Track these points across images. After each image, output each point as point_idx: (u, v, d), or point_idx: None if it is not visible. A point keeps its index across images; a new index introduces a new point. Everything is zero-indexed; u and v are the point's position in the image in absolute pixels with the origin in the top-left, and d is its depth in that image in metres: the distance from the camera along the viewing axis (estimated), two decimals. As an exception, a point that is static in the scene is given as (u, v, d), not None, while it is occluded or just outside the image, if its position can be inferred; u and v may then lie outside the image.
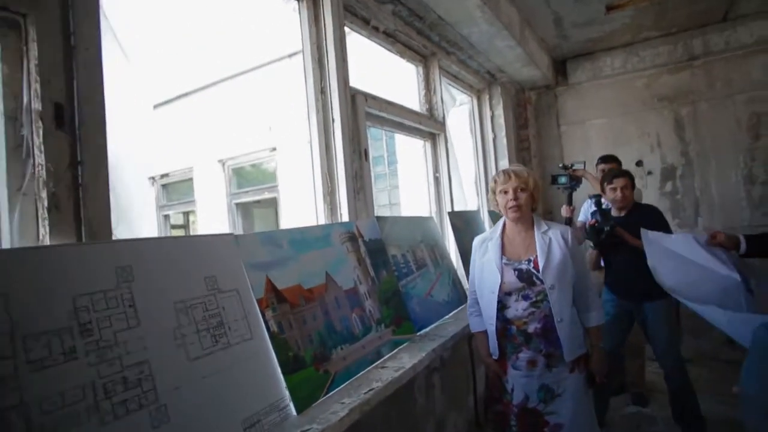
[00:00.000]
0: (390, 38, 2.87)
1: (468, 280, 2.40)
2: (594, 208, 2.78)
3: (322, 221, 2.11)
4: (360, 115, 2.34)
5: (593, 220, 2.73)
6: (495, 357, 1.94)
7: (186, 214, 7.50)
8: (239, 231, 5.85)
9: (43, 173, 0.99)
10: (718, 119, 4.38)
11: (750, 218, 4.33)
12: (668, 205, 4.61)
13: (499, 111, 4.38)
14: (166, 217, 6.98)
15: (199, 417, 1.07)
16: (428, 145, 3.34)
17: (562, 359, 1.84)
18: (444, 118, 3.40)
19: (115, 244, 1.10)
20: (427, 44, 3.20)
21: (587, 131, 4.90)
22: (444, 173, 3.29)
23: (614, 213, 2.85)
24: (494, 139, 4.38)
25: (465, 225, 3.11)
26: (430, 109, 3.33)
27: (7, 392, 0.79)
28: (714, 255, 1.77)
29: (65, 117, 0.98)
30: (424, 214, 3.27)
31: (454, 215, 3.06)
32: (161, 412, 1.00)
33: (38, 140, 0.97)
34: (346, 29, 2.40)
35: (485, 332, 2.00)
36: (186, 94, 6.75)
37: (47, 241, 1.04)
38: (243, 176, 6.37)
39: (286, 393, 1.34)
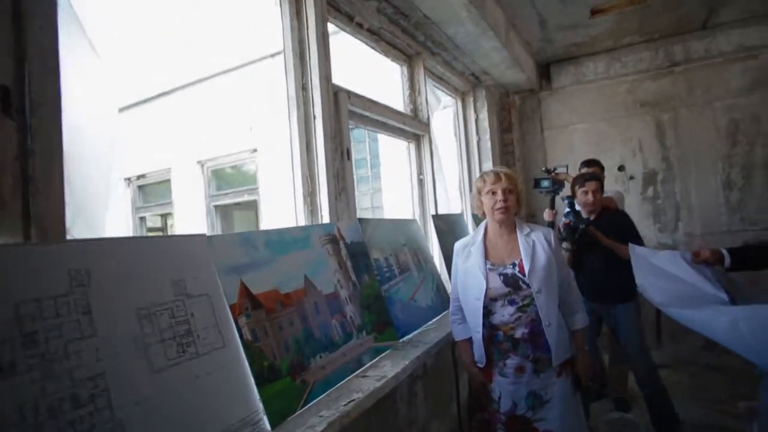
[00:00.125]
0: (374, 36, 2.80)
1: (450, 284, 2.34)
2: (568, 209, 2.79)
3: (302, 223, 2.03)
4: (342, 113, 2.26)
5: (567, 220, 2.73)
6: (481, 365, 1.87)
7: (164, 216, 7.31)
8: (218, 233, 5.70)
9: (-15, 164, 0.88)
10: (698, 125, 4.43)
11: (728, 223, 4.38)
12: (650, 209, 4.64)
13: (484, 114, 4.35)
14: (142, 219, 6.77)
15: (161, 435, 0.97)
16: (412, 146, 3.27)
17: (550, 364, 1.79)
18: (428, 119, 3.34)
19: (70, 245, 1.00)
20: (412, 44, 3.14)
21: (571, 136, 4.91)
22: (428, 175, 3.23)
23: (584, 216, 2.88)
24: (478, 142, 4.35)
25: (449, 228, 3.05)
26: (415, 110, 3.27)
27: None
28: (701, 273, 1.74)
29: (12, 101, 0.88)
30: (408, 216, 3.20)
31: (438, 218, 3.00)
32: None
33: (-21, 126, 0.87)
34: (330, 26, 2.33)
35: (469, 340, 1.93)
36: (164, 93, 6.58)
37: (-10, 241, 0.94)
38: (223, 178, 6.22)
39: (260, 406, 1.25)
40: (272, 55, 5.25)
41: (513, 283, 1.81)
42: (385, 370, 1.71)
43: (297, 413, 1.34)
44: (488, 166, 4.28)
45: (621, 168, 4.72)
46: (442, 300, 2.64)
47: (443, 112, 4.31)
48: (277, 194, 4.90)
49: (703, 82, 4.40)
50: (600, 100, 4.76)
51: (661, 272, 1.82)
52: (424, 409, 2.24)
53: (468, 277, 1.89)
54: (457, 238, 2.96)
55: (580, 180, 2.85)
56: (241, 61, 5.99)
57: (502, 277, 1.82)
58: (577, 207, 2.90)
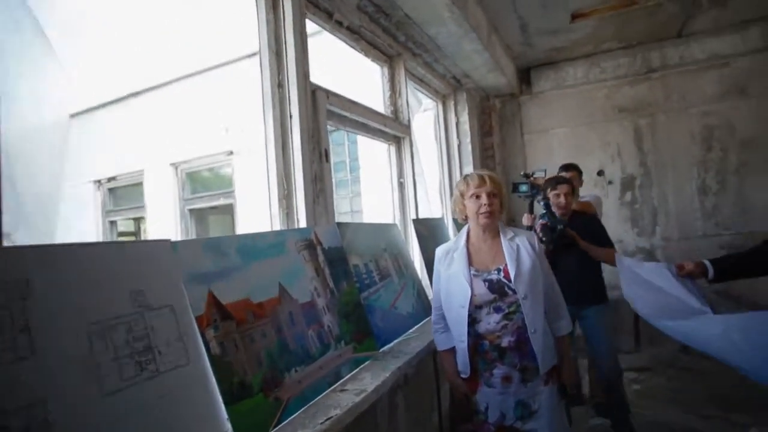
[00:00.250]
0: (354, 35, 2.72)
1: (432, 291, 2.26)
2: (543, 210, 2.76)
3: (277, 227, 1.92)
4: (321, 112, 2.17)
5: (544, 221, 2.70)
6: (465, 376, 1.80)
7: (137, 220, 7.06)
8: (192, 237, 5.52)
9: None
10: (675, 131, 4.49)
11: (704, 228, 4.44)
12: (628, 214, 4.67)
13: (464, 117, 4.32)
14: (113, 223, 6.52)
15: (113, 467, 0.86)
16: (393, 148, 3.20)
17: (537, 372, 1.73)
18: (409, 121, 3.28)
19: (7, 252, 0.88)
20: (392, 44, 3.07)
21: (550, 140, 4.92)
22: (409, 178, 3.16)
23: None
24: (459, 146, 4.31)
25: (430, 233, 2.98)
26: (395, 112, 3.20)
27: None
28: (685, 286, 1.71)
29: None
30: (388, 221, 3.12)
31: (418, 222, 2.93)
32: (60, 466, 0.79)
33: None
34: (312, 26, 2.25)
35: (452, 350, 1.86)
36: (136, 94, 6.36)
37: None
38: (198, 181, 6.04)
39: (229, 426, 1.15)
40: (250, 55, 5.12)
41: (498, 289, 1.74)
42: (365, 383, 1.62)
43: (270, 433, 1.24)
44: (469, 170, 4.24)
45: (600, 172, 4.75)
46: (423, 306, 2.57)
47: (424, 114, 4.27)
48: (254, 198, 4.77)
49: (679, 88, 4.47)
50: (579, 105, 4.79)
51: (646, 283, 1.78)
52: (405, 420, 2.16)
53: (451, 284, 1.82)
54: (437, 243, 2.90)
55: (552, 183, 2.87)
56: (218, 61, 5.84)
57: (487, 284, 1.76)
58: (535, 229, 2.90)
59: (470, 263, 1.81)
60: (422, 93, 3.99)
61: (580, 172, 3.48)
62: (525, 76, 4.95)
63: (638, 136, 4.61)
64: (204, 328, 1.19)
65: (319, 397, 1.48)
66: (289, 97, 1.99)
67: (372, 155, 4.87)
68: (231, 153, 5.64)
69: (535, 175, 3.32)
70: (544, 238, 2.61)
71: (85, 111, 6.60)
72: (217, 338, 1.22)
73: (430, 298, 2.70)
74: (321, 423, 1.29)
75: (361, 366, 1.78)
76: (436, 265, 1.92)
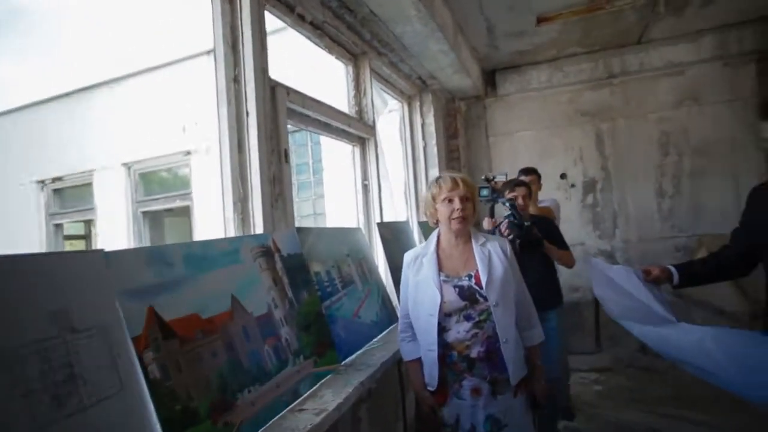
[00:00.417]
0: (318, 31, 2.61)
1: (398, 298, 2.18)
2: (509, 210, 2.74)
3: (231, 233, 1.79)
4: (280, 110, 2.04)
5: (510, 219, 2.67)
6: (432, 388, 1.71)
7: (87, 223, 6.67)
8: (146, 242, 5.24)
9: None
10: (634, 136, 4.60)
11: (661, 230, 4.56)
12: (590, 216, 4.75)
13: (430, 119, 4.27)
14: (58, 226, 6.11)
15: None
16: (357, 150, 3.10)
17: (508, 384, 1.67)
18: (374, 122, 3.19)
19: None
20: (357, 42, 2.97)
21: (515, 143, 4.94)
22: (373, 180, 3.07)
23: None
24: (425, 148, 4.26)
25: (395, 237, 2.90)
26: (360, 112, 3.10)
27: None
28: (651, 293, 1.70)
29: None
30: (351, 224, 3.02)
31: (383, 226, 2.84)
32: None
33: None
34: (276, 23, 2.12)
35: (418, 360, 1.77)
36: (87, 88, 6.00)
37: None
38: (153, 182, 5.75)
39: (170, 461, 1.02)
40: (209, 52, 4.90)
41: (469, 296, 1.67)
42: (325, 400, 1.51)
43: (218, 465, 1.11)
44: (434, 172, 4.19)
45: (563, 176, 4.80)
46: (387, 314, 2.48)
47: (389, 115, 4.18)
48: (212, 200, 4.56)
49: (638, 94, 4.58)
50: (543, 108, 4.83)
51: (616, 286, 1.75)
52: (369, 434, 2.06)
53: (420, 290, 1.74)
54: (403, 247, 2.83)
55: (509, 185, 2.87)
56: (176, 56, 5.59)
57: (457, 290, 1.68)
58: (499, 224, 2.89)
59: (440, 269, 1.73)
60: (387, 93, 3.91)
61: (539, 176, 3.50)
62: (490, 78, 4.95)
63: (599, 140, 4.70)
64: (142, 350, 1.06)
65: (275, 418, 1.36)
66: (245, 93, 1.86)
67: (336, 157, 4.75)
68: (188, 153, 5.40)
69: (496, 179, 3.33)
70: (510, 235, 2.55)
71: (28, 106, 6.18)
72: (157, 360, 1.09)
73: (395, 304, 2.62)
74: (276, 450, 1.18)
75: (322, 381, 1.67)
76: (405, 271, 1.83)
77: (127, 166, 5.50)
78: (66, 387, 0.87)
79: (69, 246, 6.62)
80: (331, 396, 1.55)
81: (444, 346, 1.69)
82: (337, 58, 2.98)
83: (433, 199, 1.74)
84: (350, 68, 3.13)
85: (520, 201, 2.78)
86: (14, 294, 0.86)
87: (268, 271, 1.62)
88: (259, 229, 1.80)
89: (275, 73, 2.10)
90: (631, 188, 4.63)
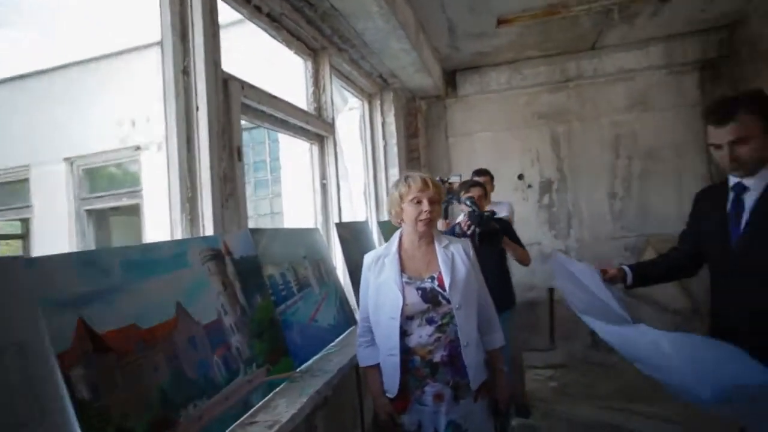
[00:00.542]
0: (275, 23, 2.51)
1: (357, 301, 2.12)
2: (471, 207, 2.75)
3: (179, 235, 1.67)
4: (234, 105, 1.94)
5: (470, 210, 2.66)
6: (392, 394, 1.67)
7: (24, 221, 6.22)
8: (90, 242, 4.94)
9: None
10: (588, 138, 4.74)
11: (612, 230, 4.72)
12: (546, 217, 4.86)
13: (391, 118, 4.23)
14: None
15: None
16: (315, 148, 3.02)
17: (469, 389, 1.64)
18: (333, 120, 3.11)
19: None
20: (317, 37, 2.89)
21: (474, 144, 4.99)
22: (332, 180, 2.99)
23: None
24: (385, 147, 4.22)
25: (354, 237, 2.85)
26: (319, 109, 3.02)
27: None
28: (610, 291, 1.73)
29: None
30: (309, 225, 2.94)
31: (341, 226, 2.77)
32: None
33: None
34: (226, 8, 2.01)
35: (377, 366, 1.73)
36: (22, 77, 5.58)
37: None
38: (99, 178, 5.43)
39: (101, 489, 0.92)
40: (159, 42, 4.67)
41: (432, 298, 1.64)
42: (279, 411, 1.44)
43: (157, 490, 1.02)
44: (394, 172, 4.17)
45: (520, 177, 4.89)
46: (345, 316, 2.42)
47: (349, 113, 4.12)
48: (163, 198, 4.35)
49: (592, 98, 4.72)
50: (502, 110, 4.90)
51: (577, 281, 1.77)
52: (326, 442, 2.00)
53: (381, 292, 1.68)
54: (362, 248, 2.77)
55: (465, 186, 2.91)
56: (125, 46, 5.29)
57: (420, 292, 1.64)
58: (457, 222, 2.91)
59: (402, 270, 1.69)
60: (348, 91, 3.85)
61: (491, 177, 3.55)
62: (451, 79, 4.97)
63: (555, 142, 4.81)
64: (68, 368, 0.95)
65: (223, 433, 1.28)
66: (195, 86, 1.75)
67: (294, 154, 4.64)
68: (138, 148, 5.14)
69: (450, 180, 3.37)
70: (471, 227, 2.53)
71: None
72: (87, 378, 0.98)
73: (353, 306, 2.56)
74: (223, 469, 1.10)
75: (276, 390, 1.60)
76: (365, 273, 1.77)
77: (70, 161, 5.17)
78: (-28, 415, 0.76)
79: (5, 246, 6.18)
80: (284, 406, 1.48)
81: (406, 351, 1.64)
82: (296, 53, 2.89)
83: (401, 198, 1.68)
84: (309, 64, 3.04)
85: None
86: None
87: (218, 276, 1.53)
88: (209, 230, 1.70)
89: (229, 66, 1.99)
90: (585, 189, 4.77)
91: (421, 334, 1.63)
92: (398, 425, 1.66)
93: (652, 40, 4.46)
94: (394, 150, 4.20)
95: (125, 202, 4.96)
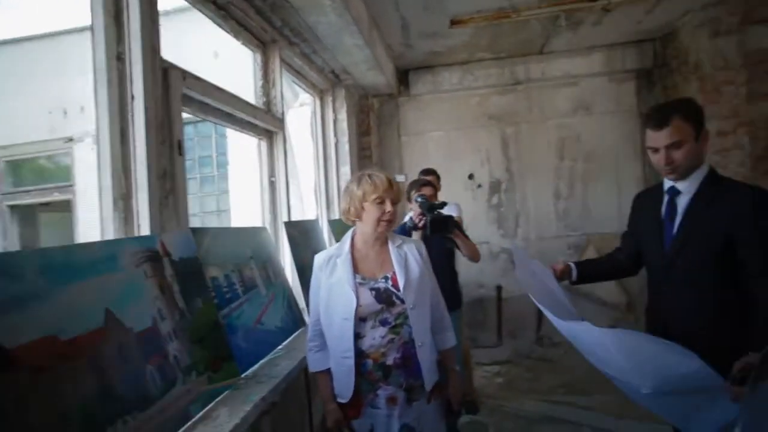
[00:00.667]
0: (222, 12, 2.39)
1: (307, 303, 2.06)
2: (421, 200, 2.74)
3: (110, 235, 1.54)
4: (174, 96, 1.82)
5: (420, 202, 2.64)
6: (345, 400, 1.62)
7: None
8: (14, 240, 4.55)
9: None
10: (535, 140, 4.89)
11: (557, 229, 4.90)
12: (495, 216, 4.97)
13: (343, 115, 4.16)
14: None
15: None
16: (264, 144, 2.91)
17: (422, 390, 1.62)
18: (283, 115, 3.01)
19: None
20: (267, 28, 2.78)
21: (426, 143, 5.02)
22: (281, 177, 2.90)
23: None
24: (336, 144, 4.15)
25: (303, 237, 2.77)
26: (268, 103, 2.91)
27: None
28: (561, 287, 1.77)
29: None
30: (257, 223, 2.83)
31: (290, 225, 2.69)
32: None
33: None
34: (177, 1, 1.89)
35: (327, 371, 1.68)
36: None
37: None
38: (26, 171, 5.01)
39: None
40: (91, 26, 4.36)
41: (386, 298, 1.60)
42: (220, 421, 1.36)
43: None
44: (346, 170, 4.11)
45: (471, 176, 4.97)
46: (294, 318, 2.35)
47: (300, 109, 4.02)
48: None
49: (540, 101, 4.88)
50: (454, 110, 4.96)
51: (534, 275, 1.80)
52: (272, 449, 1.92)
53: (334, 293, 1.63)
54: (312, 247, 2.71)
55: (416, 185, 2.87)
56: (55, 28, 4.90)
57: (373, 293, 1.61)
58: (410, 217, 2.89)
59: (355, 270, 1.65)
60: (299, 86, 3.75)
61: (438, 177, 3.58)
62: (404, 77, 4.97)
63: (505, 143, 4.93)
64: (-31, 388, 0.84)
65: (158, 450, 1.19)
66: (131, 73, 1.62)
67: (242, 150, 4.48)
68: (70, 140, 4.77)
69: (396, 180, 3.35)
70: (423, 219, 2.50)
71: None
72: (-7, 399, 0.87)
73: (302, 307, 2.49)
74: (155, 491, 1.01)
75: (218, 399, 1.51)
76: (316, 273, 1.71)
77: (-9, 151, 4.74)
78: None
79: None
80: (226, 416, 1.40)
81: (358, 355, 1.60)
82: (243, 44, 2.77)
83: (363, 196, 1.62)
84: (258, 56, 2.93)
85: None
86: None
87: (155, 279, 1.42)
88: (145, 230, 1.58)
89: (171, 54, 1.87)
90: (531, 190, 4.92)
91: (374, 336, 1.60)
92: (350, 428, 1.62)
93: (595, 48, 4.66)
94: (345, 148, 4.14)
95: (56, 197, 4.59)
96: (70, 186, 4.62)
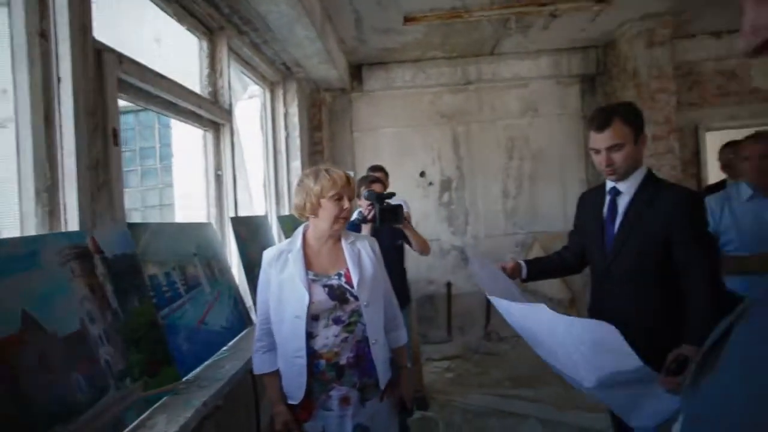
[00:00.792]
0: (163, -6, 2.25)
1: (255, 302, 1.98)
2: (368, 195, 2.72)
3: (32, 231, 1.40)
4: (109, 80, 1.69)
5: (367, 194, 2.62)
6: (296, 401, 1.57)
7: None
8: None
9: None
10: (485, 139, 4.99)
11: (505, 227, 5.03)
12: (445, 214, 5.03)
13: (294, 109, 4.06)
14: None
15: None
16: (210, 136, 2.78)
17: (376, 389, 1.60)
18: (231, 106, 2.89)
19: None
20: (214, 15, 2.65)
21: (379, 139, 5.00)
22: (228, 171, 2.78)
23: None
24: (287, 138, 4.04)
25: (251, 233, 2.67)
26: (215, 94, 2.78)
27: None
28: (514, 286, 1.81)
29: None
30: (202, 219, 2.70)
31: (238, 221, 2.59)
32: None
33: None
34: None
35: (276, 373, 1.62)
36: None
37: None
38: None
39: None
40: None
41: (339, 295, 1.57)
42: (157, 430, 1.27)
43: None
44: (297, 165, 4.01)
45: (422, 174, 5.00)
46: (240, 317, 2.26)
47: (249, 101, 3.88)
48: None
49: (490, 101, 4.98)
50: (406, 107, 4.97)
51: (490, 275, 1.83)
52: (216, 455, 1.84)
53: (285, 290, 1.57)
54: (260, 244, 2.61)
55: (365, 181, 2.87)
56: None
57: (326, 289, 1.56)
58: (359, 212, 2.87)
59: (308, 267, 1.60)
60: (248, 77, 3.61)
61: (386, 174, 3.58)
62: (357, 73, 4.92)
63: (456, 141, 5.00)
64: None
65: (84, 464, 1.09)
66: (57, 53, 1.48)
67: (187, 142, 4.27)
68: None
69: (352, 177, 3.32)
70: (372, 210, 2.46)
71: None
72: None
73: (249, 306, 2.40)
74: None
75: (156, 405, 1.42)
76: (265, 269, 1.64)
77: None
78: None
79: None
80: (164, 424, 1.31)
81: (310, 355, 1.55)
82: (189, 29, 2.63)
83: (321, 191, 1.58)
84: (205, 44, 2.79)
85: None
86: None
87: (83, 278, 1.31)
88: (73, 225, 1.45)
89: (106, 37, 1.73)
90: (481, 188, 5.02)
91: (327, 335, 1.56)
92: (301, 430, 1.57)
93: (543, 52, 4.81)
94: (296, 142, 4.04)
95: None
96: (-8, 176, 4.22)
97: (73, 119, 1.46)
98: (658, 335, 1.51)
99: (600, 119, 1.63)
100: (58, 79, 1.46)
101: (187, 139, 4.33)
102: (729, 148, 3.19)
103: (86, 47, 1.55)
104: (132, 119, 5.35)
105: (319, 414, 1.57)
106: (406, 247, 2.87)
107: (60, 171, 1.44)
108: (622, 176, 1.66)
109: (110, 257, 1.45)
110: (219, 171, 2.76)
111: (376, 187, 2.77)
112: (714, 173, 3.65)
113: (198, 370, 1.74)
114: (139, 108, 3.84)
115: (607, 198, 1.74)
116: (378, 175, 3.30)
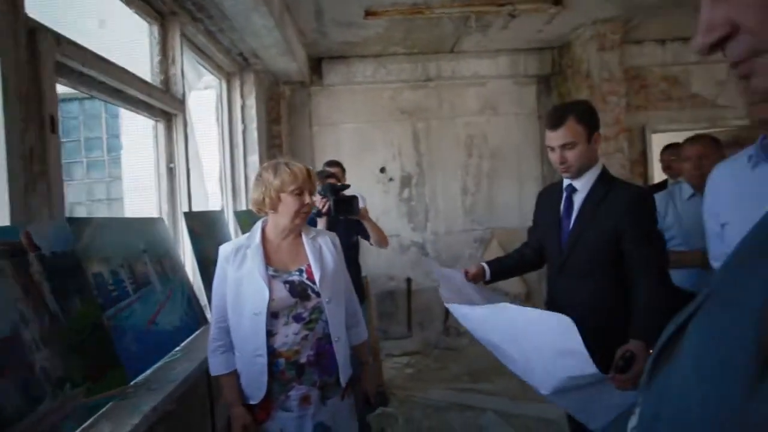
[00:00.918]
0: (107, -26, 2.10)
1: (210, 300, 1.90)
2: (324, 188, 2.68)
3: (-44, 224, 1.28)
4: (45, 63, 1.56)
5: (321, 188, 2.57)
6: (256, 401, 1.51)
7: None
8: None
9: None
10: (445, 136, 5.03)
11: (463, 224, 5.10)
12: (405, 210, 5.04)
13: (251, 101, 3.94)
14: None
15: None
16: (162, 126, 2.64)
17: (337, 387, 1.58)
18: (184, 96, 2.76)
19: None
20: (166, -1, 2.52)
21: (339, 134, 4.95)
22: (181, 164, 2.65)
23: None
24: (244, 131, 3.92)
25: (206, 229, 2.57)
26: (167, 82, 2.65)
27: None
28: (478, 292, 1.82)
29: None
30: (153, 214, 2.57)
31: (191, 216, 2.48)
32: None
33: None
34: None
35: (233, 373, 1.56)
36: None
37: None
38: None
39: None
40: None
41: (301, 292, 1.53)
42: (101, 439, 1.19)
43: None
44: (254, 159, 3.90)
45: (382, 170, 4.99)
46: (195, 316, 2.16)
47: (204, 92, 3.73)
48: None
49: (450, 99, 5.02)
50: (367, 102, 4.93)
51: (451, 281, 1.83)
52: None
53: (243, 286, 1.52)
54: (216, 240, 2.52)
55: (320, 176, 2.83)
56: None
57: (287, 286, 1.52)
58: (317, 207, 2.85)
59: (268, 262, 1.55)
60: (203, 66, 3.47)
61: (343, 170, 3.55)
62: (317, 66, 4.84)
63: (416, 138, 5.01)
64: None
65: (16, 480, 1.00)
66: (-17, 31, 1.35)
67: (138, 133, 4.06)
68: None
69: (313, 171, 3.28)
70: (326, 203, 2.41)
71: None
72: None
73: (203, 304, 2.31)
74: None
75: (100, 412, 1.33)
76: (222, 265, 1.58)
77: None
78: None
79: None
80: (109, 431, 1.23)
81: (270, 354, 1.51)
82: (137, 12, 2.48)
83: (282, 186, 1.53)
84: (155, 29, 2.64)
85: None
86: None
87: (15, 278, 1.20)
88: (4, 220, 1.33)
89: (41, 15, 1.60)
90: (441, 184, 5.07)
91: (287, 333, 1.51)
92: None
93: (502, 51, 4.89)
94: (254, 135, 3.92)
95: None
96: None
97: (1, 104, 1.33)
98: (611, 330, 1.55)
99: (554, 118, 1.66)
100: (-15, 60, 1.33)
101: (137, 130, 4.12)
102: (669, 149, 3.37)
103: (17, 25, 1.42)
104: (77, 107, 5.04)
105: (277, 415, 1.53)
106: (364, 243, 2.84)
107: (-12, 161, 1.32)
108: (576, 173, 1.70)
109: (47, 254, 1.34)
110: (171, 164, 2.63)
111: (331, 181, 2.73)
112: (659, 172, 3.84)
113: (148, 372, 1.65)
114: (84, 96, 3.62)
115: (564, 195, 1.78)
116: (333, 170, 3.26)
